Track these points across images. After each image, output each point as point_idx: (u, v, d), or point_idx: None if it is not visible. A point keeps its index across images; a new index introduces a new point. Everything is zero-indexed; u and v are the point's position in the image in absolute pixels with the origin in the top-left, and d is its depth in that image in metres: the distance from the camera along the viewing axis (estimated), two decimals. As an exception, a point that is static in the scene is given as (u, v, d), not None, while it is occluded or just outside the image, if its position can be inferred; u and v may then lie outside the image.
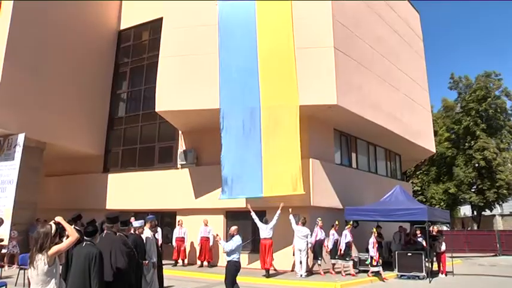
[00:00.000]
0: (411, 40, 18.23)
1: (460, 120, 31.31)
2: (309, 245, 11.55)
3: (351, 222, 11.95)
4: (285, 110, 11.36)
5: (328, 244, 11.76)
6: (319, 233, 11.77)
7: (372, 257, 11.32)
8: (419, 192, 32.74)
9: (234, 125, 11.57)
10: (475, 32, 74.92)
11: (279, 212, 11.26)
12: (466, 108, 30.99)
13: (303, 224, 11.45)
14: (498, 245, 21.33)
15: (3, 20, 13.44)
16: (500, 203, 31.91)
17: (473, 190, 30.78)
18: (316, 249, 11.75)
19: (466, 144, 30.46)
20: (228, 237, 7.91)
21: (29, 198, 13.43)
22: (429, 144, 18.61)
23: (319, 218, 11.87)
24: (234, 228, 7.67)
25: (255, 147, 11.38)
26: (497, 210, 35.07)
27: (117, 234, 5.46)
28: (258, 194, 11.26)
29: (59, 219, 4.06)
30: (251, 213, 11.47)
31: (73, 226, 5.02)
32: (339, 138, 14.56)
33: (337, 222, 11.92)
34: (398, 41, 16.82)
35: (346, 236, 11.58)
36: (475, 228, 32.40)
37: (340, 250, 11.57)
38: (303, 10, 12.29)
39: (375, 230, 11.77)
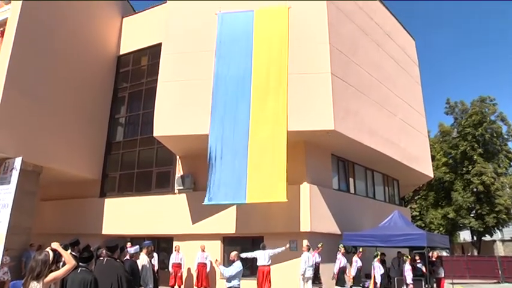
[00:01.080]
0: (407, 66, 18.52)
1: (457, 145, 31.44)
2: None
3: (360, 249, 11.89)
4: (273, 127, 11.44)
5: (351, 271, 11.63)
6: (342, 260, 11.67)
7: (375, 283, 11.18)
8: (418, 218, 32.55)
9: (221, 145, 11.65)
10: (470, 57, 76.27)
11: (284, 248, 11.15)
12: (462, 133, 31.19)
13: (308, 250, 11.31)
14: (500, 272, 21.03)
15: (6, 44, 13.63)
16: (500, 228, 31.65)
17: (472, 215, 30.59)
18: (340, 277, 11.56)
19: (464, 169, 30.49)
20: (227, 262, 7.80)
21: (24, 223, 13.22)
22: (427, 169, 18.62)
23: (341, 245, 11.84)
24: (234, 253, 7.57)
25: (241, 154, 11.40)
26: (497, 235, 34.73)
27: (117, 260, 5.43)
28: (242, 200, 11.22)
29: (55, 245, 4.01)
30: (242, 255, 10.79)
31: (70, 251, 4.96)
32: (336, 163, 14.57)
33: (361, 249, 11.81)
34: (394, 67, 17.09)
35: (357, 262, 11.54)
36: (475, 253, 32.02)
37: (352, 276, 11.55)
38: (300, 36, 12.51)
39: (378, 253, 11.65)
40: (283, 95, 11.51)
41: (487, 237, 32.84)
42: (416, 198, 32.42)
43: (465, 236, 39.90)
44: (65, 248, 4.64)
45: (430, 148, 21.35)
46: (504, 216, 28.88)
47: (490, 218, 28.65)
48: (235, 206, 12.77)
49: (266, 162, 11.23)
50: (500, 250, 35.60)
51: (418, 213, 32.80)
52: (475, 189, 29.34)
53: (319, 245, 11.84)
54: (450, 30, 77.54)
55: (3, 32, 14.60)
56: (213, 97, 11.90)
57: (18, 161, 12.95)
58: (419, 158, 17.66)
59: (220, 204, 11.65)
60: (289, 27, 12.08)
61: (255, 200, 11.15)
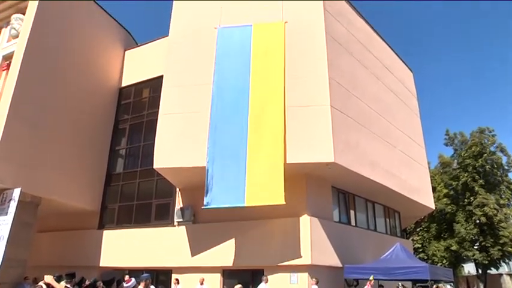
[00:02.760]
0: (406, 98, 18.76)
1: (458, 176, 31.33)
2: None
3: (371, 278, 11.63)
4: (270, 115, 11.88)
5: None
6: None
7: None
8: (420, 250, 32.03)
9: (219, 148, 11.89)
10: (468, 88, 77.24)
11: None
12: (462, 164, 31.14)
13: (316, 284, 11.08)
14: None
15: (11, 77, 13.91)
16: (507, 261, 31.04)
17: (476, 247, 30.09)
18: None
19: (465, 200, 30.24)
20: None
21: (19, 256, 13.00)
22: (428, 200, 18.50)
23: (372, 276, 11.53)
24: (238, 286, 7.43)
25: (240, 157, 11.54)
26: (503, 268, 33.97)
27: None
28: (241, 203, 11.21)
29: (48, 279, 3.95)
30: None
31: (64, 285, 4.87)
32: (336, 195, 14.49)
33: (371, 278, 11.54)
34: (393, 100, 17.29)
35: None
36: (482, 288, 31.26)
37: None
38: (300, 69, 12.76)
39: (371, 278, 11.39)
40: (279, 101, 11.97)
41: (493, 271, 32.17)
42: (418, 230, 32.01)
43: (469, 268, 39.06)
44: (58, 280, 4.54)
45: (431, 179, 21.27)
46: (510, 248, 28.36)
47: (494, 250, 28.15)
48: (234, 239, 12.64)
49: (264, 166, 11.39)
50: (508, 284, 34.61)
51: (420, 245, 32.30)
52: (477, 221, 28.98)
53: (371, 278, 11.54)
54: (447, 61, 78.92)
55: (9, 65, 14.92)
56: (212, 105, 12.29)
57: (16, 192, 12.89)
58: (420, 190, 17.58)
59: (219, 207, 11.56)
60: (285, 42, 12.80)
61: (254, 203, 11.19)
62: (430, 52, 79.23)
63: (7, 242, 12.12)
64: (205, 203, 11.46)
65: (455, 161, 32.88)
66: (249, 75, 12.52)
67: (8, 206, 12.83)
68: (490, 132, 31.65)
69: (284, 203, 10.92)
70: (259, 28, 13.30)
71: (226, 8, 14.05)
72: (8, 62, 15.52)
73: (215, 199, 11.44)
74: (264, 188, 11.16)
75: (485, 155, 30.25)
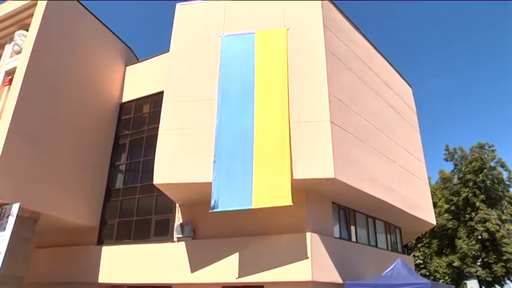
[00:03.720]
0: (405, 114, 18.81)
1: (459, 191, 31.29)
2: None
3: None
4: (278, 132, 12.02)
5: None
6: None
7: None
8: (422, 266, 31.78)
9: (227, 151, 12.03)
10: (467, 104, 77.57)
11: None
12: (463, 180, 31.14)
13: None
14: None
15: (13, 92, 14.00)
16: (511, 278, 30.71)
17: (478, 263, 29.83)
18: None
19: (467, 215, 30.15)
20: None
21: (16, 272, 12.85)
22: (429, 216, 18.39)
23: None
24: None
25: (247, 160, 11.60)
26: (508, 286, 33.56)
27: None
28: (248, 206, 11.14)
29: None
30: None
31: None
32: (337, 211, 14.42)
33: None
34: (393, 115, 17.35)
35: None
36: (487, 305, 30.83)
37: None
38: (300, 85, 12.83)
39: None
40: (284, 104, 12.24)
41: (498, 288, 31.81)
42: (419, 245, 31.79)
43: (473, 285, 38.59)
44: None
45: (432, 195, 21.20)
46: (514, 265, 28.15)
47: (498, 267, 27.89)
48: (234, 255, 12.54)
49: (271, 168, 11.44)
50: (514, 302, 34.16)
51: (421, 261, 32.07)
52: (479, 237, 28.81)
53: None
54: (446, 76, 79.46)
55: (11, 80, 15.05)
56: (218, 109, 12.55)
57: (15, 207, 12.82)
58: (420, 205, 17.49)
59: (226, 210, 11.45)
60: (288, 48, 13.19)
61: (261, 204, 11.11)
62: (430, 68, 79.88)
63: (4, 258, 11.99)
64: (212, 206, 11.40)
65: (456, 176, 32.89)
66: (254, 81, 12.80)
67: (6, 222, 12.75)
68: (490, 147, 31.77)
69: (292, 203, 10.92)
70: (262, 35, 13.67)
71: (228, 27, 14.21)
72: (10, 77, 15.67)
73: (222, 202, 11.38)
74: (271, 190, 11.19)
75: (486, 170, 30.27)
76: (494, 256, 28.17)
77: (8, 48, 17.15)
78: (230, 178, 11.60)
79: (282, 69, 12.86)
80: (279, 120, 12.10)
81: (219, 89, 12.88)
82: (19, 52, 15.65)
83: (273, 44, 13.46)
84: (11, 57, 16.64)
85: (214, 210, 11.37)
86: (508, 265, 27.80)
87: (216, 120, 12.39)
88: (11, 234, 12.38)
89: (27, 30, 15.70)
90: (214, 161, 11.82)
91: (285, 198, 10.98)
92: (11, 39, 16.90)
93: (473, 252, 28.88)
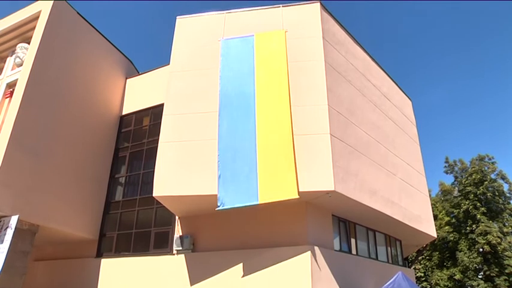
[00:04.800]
0: (405, 126, 18.86)
1: (459, 203, 31.17)
2: None
3: None
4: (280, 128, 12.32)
5: None
6: None
7: None
8: (423, 279, 31.50)
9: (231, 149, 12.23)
10: (467, 115, 77.72)
11: None
12: (463, 192, 31.04)
13: None
14: None
15: (13, 105, 14.06)
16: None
17: (480, 276, 29.57)
18: None
19: (468, 228, 29.98)
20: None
21: (13, 285, 12.76)
22: (429, 228, 18.30)
23: None
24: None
25: (251, 157, 11.80)
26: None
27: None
28: (254, 201, 11.20)
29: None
30: None
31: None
32: (337, 224, 14.36)
33: None
34: (393, 127, 17.39)
35: None
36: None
37: None
38: (299, 98, 12.89)
39: None
40: (285, 101, 12.53)
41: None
42: (420, 258, 31.55)
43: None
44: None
45: (432, 207, 21.14)
46: (517, 279, 27.87)
47: (500, 280, 27.60)
48: (234, 267, 12.45)
49: (275, 163, 11.60)
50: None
51: (422, 274, 31.79)
52: (481, 249, 28.61)
53: None
54: (446, 88, 79.80)
55: (12, 92, 15.12)
56: (219, 108, 12.83)
57: (14, 220, 12.72)
58: (421, 218, 17.42)
59: (233, 207, 11.49)
60: (287, 50, 13.50)
61: (267, 199, 11.17)
62: (429, 79, 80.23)
63: (1, 271, 11.87)
64: (218, 204, 11.47)
65: (456, 188, 32.80)
66: (254, 81, 13.10)
67: (4, 234, 12.65)
68: (490, 159, 31.74)
69: (298, 196, 11.00)
70: (261, 37, 14.01)
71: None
72: (11, 89, 15.76)
73: (228, 200, 11.47)
74: (277, 185, 11.30)
75: (486, 182, 30.20)
76: (497, 269, 27.92)
77: (10, 60, 17.29)
78: (235, 176, 11.75)
79: (282, 69, 13.14)
80: (280, 116, 12.34)
81: (220, 90, 13.11)
82: (20, 65, 15.77)
83: (272, 44, 13.79)
84: (12, 69, 16.76)
85: (220, 208, 11.46)
86: (511, 279, 27.52)
87: (218, 120, 12.62)
88: (9, 247, 12.29)
89: (28, 43, 15.85)
90: (218, 161, 11.98)
91: (291, 192, 11.10)
92: (13, 52, 17.04)
93: (475, 265, 28.64)
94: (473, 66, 75.56)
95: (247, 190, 11.40)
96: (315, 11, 14.64)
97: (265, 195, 11.24)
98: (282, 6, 14.79)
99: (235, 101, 12.90)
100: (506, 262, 27.73)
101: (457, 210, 31.12)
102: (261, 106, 12.60)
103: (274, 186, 11.30)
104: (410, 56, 78.82)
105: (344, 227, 14.78)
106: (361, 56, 16.78)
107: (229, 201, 11.46)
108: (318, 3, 14.75)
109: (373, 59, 17.76)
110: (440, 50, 79.81)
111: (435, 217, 25.40)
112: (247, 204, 11.40)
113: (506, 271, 27.62)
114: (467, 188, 30.58)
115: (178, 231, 14.24)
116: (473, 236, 28.91)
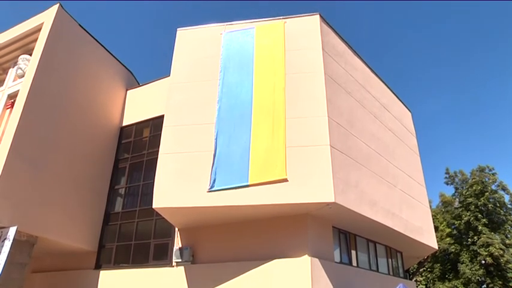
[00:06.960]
0: (405, 137, 18.86)
1: (460, 215, 31.01)
2: None
3: None
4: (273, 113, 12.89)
5: None
6: None
7: None
8: (425, 291, 31.19)
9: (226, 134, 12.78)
10: (466, 126, 77.79)
11: None
12: (464, 203, 30.91)
13: None
14: None
15: (14, 116, 14.09)
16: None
17: (483, 290, 29.30)
18: None
19: (469, 239, 29.77)
20: None
21: (11, 299, 12.66)
22: (430, 240, 18.18)
23: None
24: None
25: (245, 139, 12.37)
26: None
27: None
28: (244, 182, 11.57)
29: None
30: None
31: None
32: (337, 235, 14.27)
33: None
34: (392, 139, 17.39)
35: None
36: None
37: None
38: (299, 110, 12.93)
39: None
40: (281, 83, 13.26)
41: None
42: (421, 270, 31.30)
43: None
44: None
45: (433, 219, 21.04)
46: (523, 292, 27.58)
47: (505, 293, 27.35)
48: (234, 280, 12.35)
49: (266, 146, 12.11)
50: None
51: (424, 286, 31.49)
52: (483, 261, 28.36)
53: None
54: (446, 98, 79.99)
55: (13, 103, 15.17)
56: (219, 92, 13.51)
57: (12, 231, 12.58)
58: (422, 229, 17.32)
59: (224, 189, 11.76)
60: (285, 40, 14.21)
61: (257, 180, 11.56)
62: (429, 90, 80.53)
63: (-2, 284, 11.80)
64: (209, 186, 11.80)
65: (457, 199, 32.67)
66: (253, 66, 13.83)
67: (2, 246, 12.49)
68: (490, 170, 31.66)
69: (286, 177, 11.42)
70: (261, 29, 14.73)
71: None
72: (12, 100, 15.81)
73: (219, 181, 11.83)
74: (267, 166, 11.73)
75: (487, 193, 30.08)
76: (500, 282, 27.64)
77: (12, 72, 17.40)
78: (228, 159, 12.18)
79: (279, 55, 13.83)
80: (275, 101, 12.91)
81: (220, 78, 13.74)
82: (22, 76, 15.86)
83: (271, 33, 14.47)
84: (14, 80, 16.86)
85: (212, 189, 11.76)
86: (515, 292, 27.27)
87: (217, 104, 13.28)
88: (7, 258, 12.17)
89: (30, 55, 15.95)
90: (215, 147, 12.46)
91: (279, 173, 11.57)
92: (15, 64, 17.16)
93: (477, 278, 28.36)
94: (473, 76, 75.89)
95: (239, 172, 11.83)
96: (314, 23, 14.76)
97: (255, 177, 11.64)
98: (282, 18, 14.93)
99: (234, 88, 13.50)
100: (510, 275, 27.46)
101: (458, 222, 30.96)
102: (257, 93, 13.16)
103: (264, 168, 11.73)
104: (409, 67, 79.26)
105: (344, 238, 14.69)
106: (360, 68, 16.87)
107: (219, 183, 11.81)
108: (318, 15, 14.89)
109: (372, 71, 17.85)
110: (440, 60, 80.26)
111: (436, 228, 25.25)
112: (238, 185, 11.70)
113: (510, 284, 27.33)
114: (468, 199, 30.45)
115: (177, 243, 14.15)
116: (475, 247, 28.69)
